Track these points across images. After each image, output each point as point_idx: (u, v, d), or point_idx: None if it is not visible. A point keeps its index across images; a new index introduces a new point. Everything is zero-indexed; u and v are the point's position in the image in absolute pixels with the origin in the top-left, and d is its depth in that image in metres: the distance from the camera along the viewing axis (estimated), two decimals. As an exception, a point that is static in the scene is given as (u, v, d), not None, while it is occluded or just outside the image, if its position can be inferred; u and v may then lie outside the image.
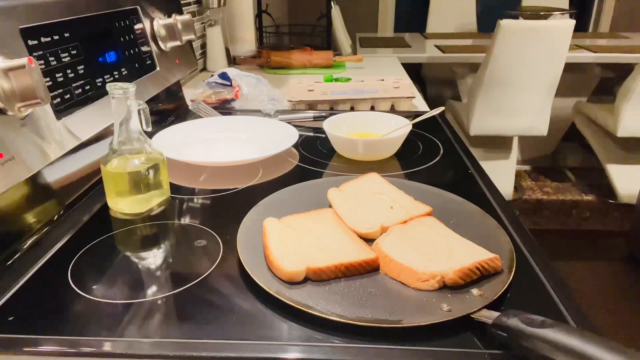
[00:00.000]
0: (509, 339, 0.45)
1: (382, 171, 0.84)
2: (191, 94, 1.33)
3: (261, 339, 0.48)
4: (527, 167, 3.28)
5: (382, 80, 1.32)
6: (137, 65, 0.97)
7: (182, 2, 1.36)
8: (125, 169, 0.71)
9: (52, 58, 0.71)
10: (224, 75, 1.34)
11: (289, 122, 1.03)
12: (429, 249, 0.59)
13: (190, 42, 1.26)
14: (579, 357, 0.40)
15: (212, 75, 1.36)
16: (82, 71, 0.78)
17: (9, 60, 0.60)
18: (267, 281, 0.54)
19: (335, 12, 2.26)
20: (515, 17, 2.37)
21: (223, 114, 1.20)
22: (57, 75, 0.72)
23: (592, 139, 2.73)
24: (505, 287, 0.53)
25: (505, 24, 2.13)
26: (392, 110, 1.32)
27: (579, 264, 2.29)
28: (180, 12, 1.17)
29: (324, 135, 0.98)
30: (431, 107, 1.08)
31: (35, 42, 0.68)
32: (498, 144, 2.54)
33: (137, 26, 1.00)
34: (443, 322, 0.48)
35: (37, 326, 0.50)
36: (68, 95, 0.74)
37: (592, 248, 2.48)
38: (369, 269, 0.57)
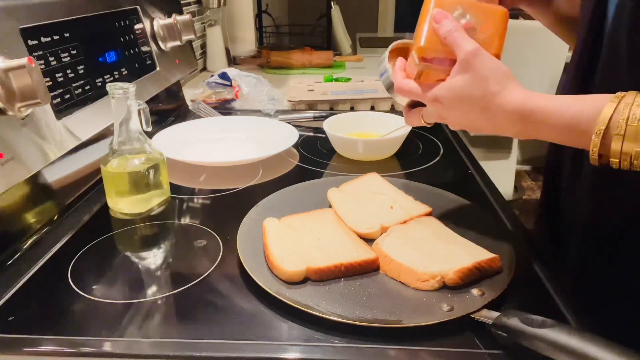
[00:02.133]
0: (509, 339, 0.45)
1: (382, 171, 0.84)
2: (191, 94, 1.33)
3: (261, 339, 0.48)
4: (527, 167, 3.28)
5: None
6: (137, 65, 0.97)
7: (182, 2, 1.36)
8: (125, 169, 0.71)
9: (52, 58, 0.71)
10: (224, 75, 1.34)
11: (289, 122, 1.03)
12: (429, 249, 0.59)
13: (190, 42, 1.26)
14: (579, 357, 0.40)
15: (212, 75, 1.36)
16: (82, 71, 0.78)
17: (9, 60, 0.60)
18: (267, 281, 0.54)
19: (335, 12, 2.26)
20: (515, 17, 2.37)
21: (223, 114, 1.20)
22: (57, 75, 0.72)
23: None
24: (505, 287, 0.53)
25: (505, 24, 2.13)
26: (392, 110, 1.32)
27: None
28: (180, 12, 1.17)
29: (324, 135, 0.98)
30: (431, 107, 1.08)
31: (35, 42, 0.68)
32: (498, 144, 2.54)
33: (137, 26, 1.00)
34: (443, 322, 0.48)
35: (37, 326, 0.50)
36: (68, 95, 0.74)
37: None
38: (369, 269, 0.57)
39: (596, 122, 0.45)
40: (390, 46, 0.65)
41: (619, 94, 0.46)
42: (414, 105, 0.63)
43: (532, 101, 0.50)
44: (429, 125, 0.61)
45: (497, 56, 0.55)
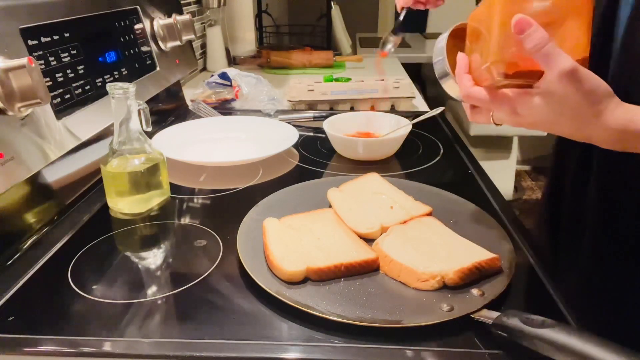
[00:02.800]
0: (509, 339, 0.45)
1: (382, 171, 0.84)
2: (191, 94, 1.33)
3: (261, 339, 0.48)
4: (527, 167, 3.28)
5: (382, 80, 1.32)
6: (137, 65, 0.97)
7: (182, 2, 1.36)
8: (125, 169, 0.71)
9: (52, 58, 0.71)
10: (224, 75, 1.34)
11: (289, 122, 1.03)
12: (429, 249, 0.59)
13: (190, 42, 1.26)
14: (579, 357, 0.40)
15: (212, 75, 1.36)
16: (82, 71, 0.78)
17: (9, 60, 0.60)
18: (267, 281, 0.54)
19: (335, 12, 2.25)
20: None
21: (223, 114, 1.20)
22: (57, 75, 0.72)
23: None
24: (505, 287, 0.53)
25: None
26: (392, 110, 1.32)
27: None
28: (180, 12, 1.17)
29: (324, 135, 0.98)
30: (431, 107, 1.08)
31: (35, 42, 0.68)
32: (498, 144, 2.54)
33: (137, 26, 1.00)
34: (443, 322, 0.48)
35: (37, 326, 0.50)
36: (68, 95, 0.74)
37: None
38: (369, 269, 0.57)
39: None
40: (449, 31, 0.57)
41: None
42: None
43: (637, 123, 0.46)
44: (436, 111, 0.56)
45: (586, 59, 0.47)
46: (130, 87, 0.68)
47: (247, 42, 1.96)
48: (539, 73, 0.47)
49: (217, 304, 0.54)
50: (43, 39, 0.70)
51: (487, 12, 0.49)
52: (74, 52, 0.77)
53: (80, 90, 0.77)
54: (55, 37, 0.73)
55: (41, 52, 0.69)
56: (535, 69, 0.47)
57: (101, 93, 0.82)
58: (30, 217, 0.67)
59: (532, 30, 0.45)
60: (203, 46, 1.79)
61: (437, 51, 0.58)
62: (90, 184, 0.81)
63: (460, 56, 0.54)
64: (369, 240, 0.63)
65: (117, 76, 0.88)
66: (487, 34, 0.49)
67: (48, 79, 0.69)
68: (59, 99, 0.71)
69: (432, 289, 0.53)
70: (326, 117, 1.01)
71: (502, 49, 0.47)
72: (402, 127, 0.96)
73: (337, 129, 0.96)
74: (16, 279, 0.57)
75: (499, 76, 0.48)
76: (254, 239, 0.62)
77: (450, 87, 0.56)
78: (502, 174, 2.59)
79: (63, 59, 0.74)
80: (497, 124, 0.55)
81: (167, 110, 1.19)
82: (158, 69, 1.06)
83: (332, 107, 1.30)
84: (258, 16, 2.22)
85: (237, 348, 0.47)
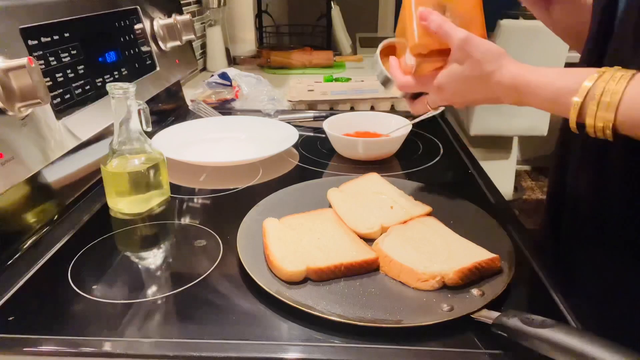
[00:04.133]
0: (509, 339, 0.45)
1: (382, 171, 0.84)
2: (191, 94, 1.33)
3: (261, 339, 0.48)
4: (527, 167, 3.28)
5: (382, 80, 1.32)
6: (137, 65, 0.97)
7: (182, 2, 1.36)
8: (125, 169, 0.71)
9: (52, 58, 0.71)
10: (224, 75, 1.34)
11: (289, 122, 1.03)
12: (429, 249, 0.59)
13: (190, 42, 1.26)
14: (579, 357, 0.40)
15: (212, 75, 1.36)
16: (82, 71, 0.78)
17: (9, 60, 0.60)
18: (267, 281, 0.54)
19: (335, 12, 2.25)
20: (515, 17, 2.37)
21: (223, 114, 1.20)
22: (57, 75, 0.72)
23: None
24: (505, 287, 0.53)
25: (505, 24, 2.13)
26: (392, 110, 1.32)
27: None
28: (180, 12, 1.17)
29: (324, 135, 0.98)
30: (431, 107, 1.08)
31: (35, 42, 0.68)
32: (498, 144, 2.54)
33: (137, 26, 1.00)
34: (443, 322, 0.48)
35: (37, 326, 0.50)
36: (68, 95, 0.74)
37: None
38: (369, 269, 0.57)
39: (576, 94, 0.50)
40: (379, 47, 0.71)
41: (601, 69, 0.50)
42: (415, 95, 0.68)
43: (523, 76, 0.55)
44: (436, 112, 0.67)
45: (483, 36, 0.59)
46: (130, 87, 0.68)
47: (247, 42, 1.96)
48: (448, 51, 0.59)
49: (217, 304, 0.54)
50: (43, 39, 0.70)
51: (402, 20, 0.64)
52: (74, 52, 0.77)
53: (80, 90, 0.77)
54: (55, 37, 0.73)
55: (41, 52, 0.69)
56: (443, 48, 0.59)
57: (101, 93, 0.82)
58: (30, 217, 0.67)
59: (432, 17, 0.59)
60: (203, 46, 1.79)
61: (376, 68, 0.71)
62: (90, 184, 0.81)
63: (392, 58, 0.67)
64: (369, 240, 0.63)
65: (117, 76, 0.88)
66: (405, 31, 0.62)
67: (48, 79, 0.69)
68: (59, 99, 0.71)
69: (432, 289, 0.53)
70: (326, 117, 1.01)
71: (417, 36, 0.61)
72: (402, 127, 0.96)
73: (337, 129, 0.96)
74: (16, 279, 0.58)
75: (418, 57, 0.61)
76: (254, 239, 0.62)
77: (396, 91, 0.68)
78: (502, 174, 2.58)
79: (63, 59, 0.74)
80: (433, 109, 0.66)
81: (167, 110, 1.19)
82: (158, 69, 1.06)
83: (332, 107, 1.30)
84: (258, 16, 2.22)
85: (237, 348, 0.47)
